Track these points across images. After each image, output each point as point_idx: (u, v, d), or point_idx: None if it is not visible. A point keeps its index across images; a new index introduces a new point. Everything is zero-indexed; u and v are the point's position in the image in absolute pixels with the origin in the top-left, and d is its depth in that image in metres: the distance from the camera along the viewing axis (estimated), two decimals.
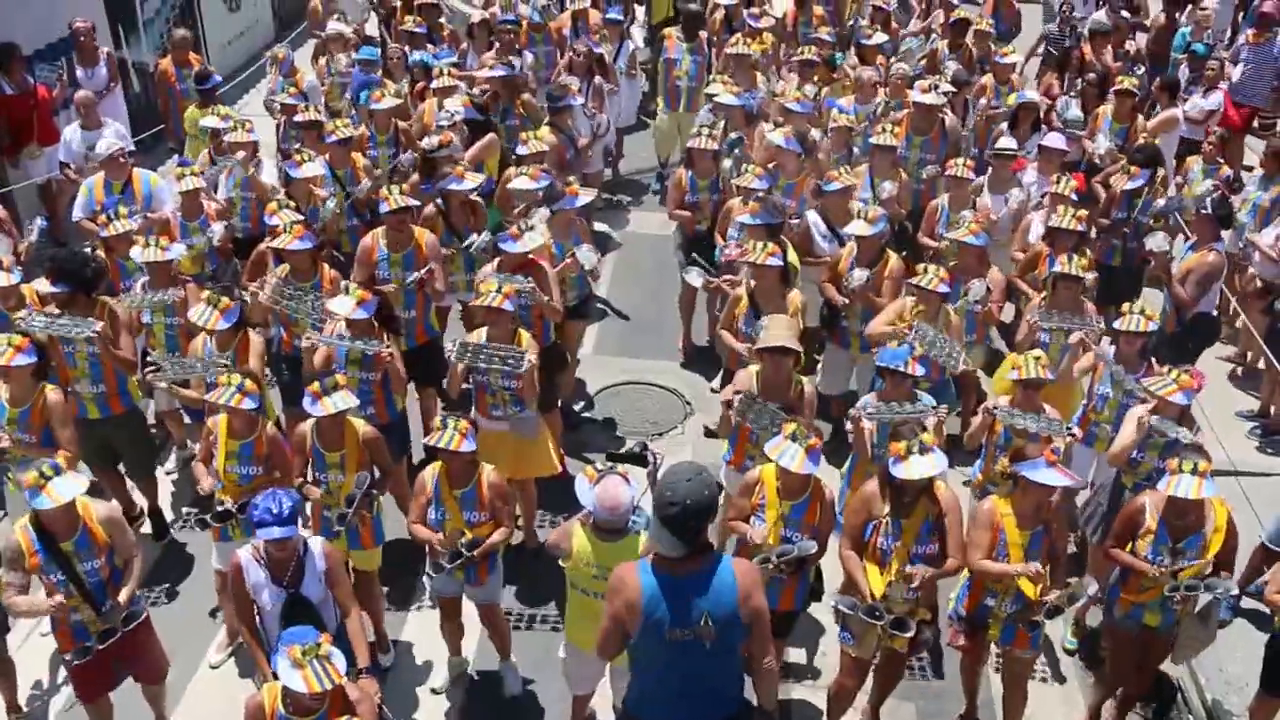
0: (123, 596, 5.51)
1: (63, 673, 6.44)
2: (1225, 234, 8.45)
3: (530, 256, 7.34)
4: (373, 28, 13.39)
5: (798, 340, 6.44)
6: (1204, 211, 8.12)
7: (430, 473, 5.99)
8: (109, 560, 5.48)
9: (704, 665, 4.40)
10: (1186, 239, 8.31)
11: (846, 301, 7.80)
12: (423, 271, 7.60)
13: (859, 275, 7.65)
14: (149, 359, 6.95)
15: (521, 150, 8.55)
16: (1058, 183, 8.41)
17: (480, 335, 6.80)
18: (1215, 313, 8.53)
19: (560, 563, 5.43)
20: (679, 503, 4.16)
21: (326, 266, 7.55)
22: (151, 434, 7.80)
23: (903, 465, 5.39)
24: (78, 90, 10.28)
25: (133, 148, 9.99)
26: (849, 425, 6.40)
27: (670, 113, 11.70)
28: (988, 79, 10.80)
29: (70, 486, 5.30)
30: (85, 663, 5.55)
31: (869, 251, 7.80)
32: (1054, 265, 7.35)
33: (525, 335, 6.84)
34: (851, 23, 12.97)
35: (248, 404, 6.04)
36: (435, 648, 6.70)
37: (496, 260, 7.41)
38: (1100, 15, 12.73)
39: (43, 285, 7.00)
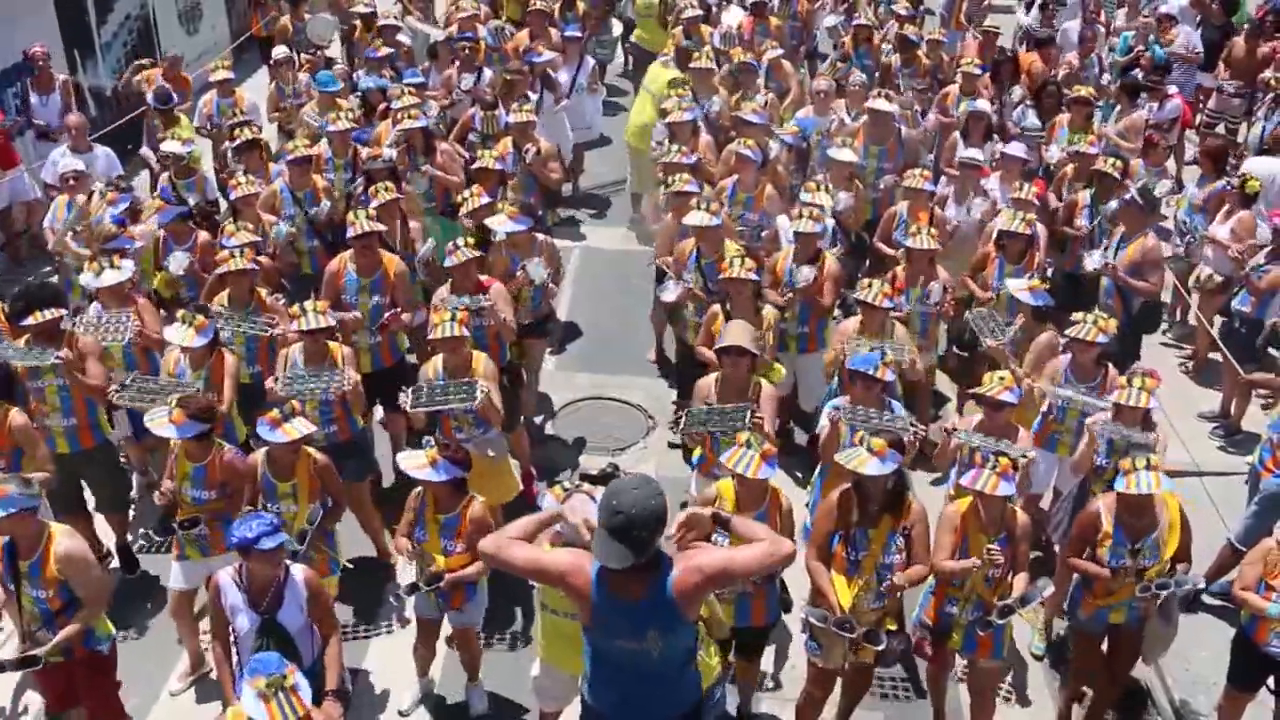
0: (47, 645, 5.36)
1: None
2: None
3: (483, 279, 7.40)
4: (335, 49, 13.32)
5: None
6: (1131, 201, 8.20)
7: (419, 492, 5.99)
8: (60, 594, 5.38)
9: (655, 667, 4.39)
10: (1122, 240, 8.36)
11: (789, 297, 7.83)
12: (388, 315, 7.59)
13: (806, 273, 7.69)
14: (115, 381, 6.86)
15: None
16: (1019, 189, 8.48)
17: (436, 364, 6.82)
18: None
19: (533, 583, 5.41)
20: (624, 511, 4.01)
21: (263, 293, 7.48)
22: (123, 468, 7.65)
23: (849, 452, 5.53)
24: (30, 118, 10.23)
25: (121, 171, 9.97)
26: (824, 428, 6.47)
27: None
28: (951, 88, 10.83)
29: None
30: (48, 673, 5.53)
31: (805, 251, 7.86)
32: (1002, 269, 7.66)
33: (482, 358, 6.83)
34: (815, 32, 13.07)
35: (168, 431, 5.96)
36: (401, 670, 6.64)
37: (449, 282, 7.40)
38: (1074, 24, 12.94)
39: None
